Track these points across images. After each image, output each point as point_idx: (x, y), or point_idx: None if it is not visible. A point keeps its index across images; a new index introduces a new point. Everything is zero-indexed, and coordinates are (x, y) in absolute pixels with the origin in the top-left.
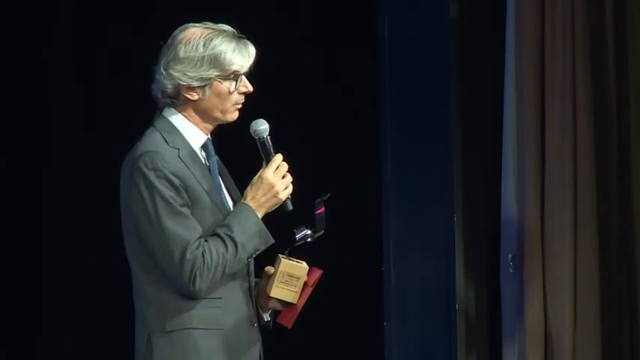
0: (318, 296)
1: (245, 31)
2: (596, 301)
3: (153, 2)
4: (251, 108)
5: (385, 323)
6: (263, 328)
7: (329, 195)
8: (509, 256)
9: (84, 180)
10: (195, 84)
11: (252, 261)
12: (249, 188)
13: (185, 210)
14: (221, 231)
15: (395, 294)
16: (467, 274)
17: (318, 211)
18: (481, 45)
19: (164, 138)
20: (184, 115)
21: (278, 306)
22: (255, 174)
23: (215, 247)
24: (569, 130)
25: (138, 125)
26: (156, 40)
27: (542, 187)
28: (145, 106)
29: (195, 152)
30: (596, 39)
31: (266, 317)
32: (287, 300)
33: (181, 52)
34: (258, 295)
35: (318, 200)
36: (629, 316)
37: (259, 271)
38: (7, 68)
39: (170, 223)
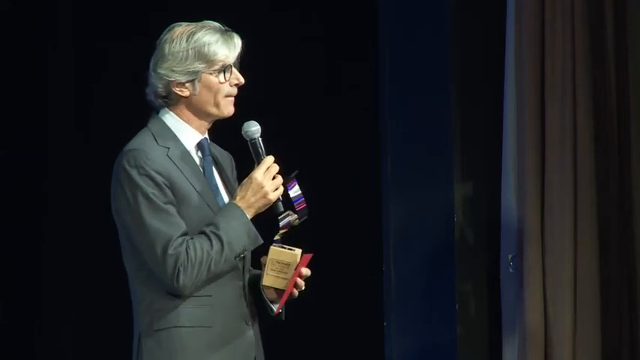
0: (318, 296)
1: (244, 30)
2: (596, 301)
3: (154, 2)
4: (250, 108)
5: (385, 323)
6: (273, 321)
7: (297, 172)
8: (509, 256)
9: (84, 180)
10: (183, 79)
11: (247, 259)
12: (238, 189)
13: (169, 207)
14: (207, 229)
15: (395, 294)
16: (467, 274)
17: (291, 185)
18: (481, 45)
19: (155, 137)
20: (178, 115)
21: (275, 295)
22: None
23: (200, 243)
24: (569, 130)
25: (139, 126)
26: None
27: (542, 187)
28: (145, 107)
29: (187, 152)
30: (596, 39)
31: (275, 308)
32: (278, 287)
33: (166, 50)
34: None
35: (287, 178)
36: (629, 316)
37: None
38: (7, 68)
39: (151, 220)
